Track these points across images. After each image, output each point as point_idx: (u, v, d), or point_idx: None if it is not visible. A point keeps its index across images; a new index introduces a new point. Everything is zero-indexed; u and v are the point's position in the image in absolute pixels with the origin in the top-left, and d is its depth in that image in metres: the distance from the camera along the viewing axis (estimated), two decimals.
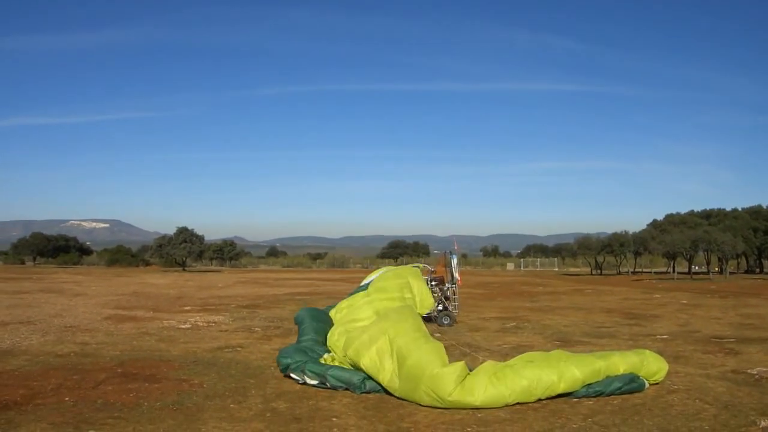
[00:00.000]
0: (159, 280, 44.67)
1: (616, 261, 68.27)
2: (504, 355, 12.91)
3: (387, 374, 9.22)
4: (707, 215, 65.10)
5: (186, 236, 67.60)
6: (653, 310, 23.41)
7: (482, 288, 38.92)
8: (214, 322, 18.49)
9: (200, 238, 69.66)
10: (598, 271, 66.14)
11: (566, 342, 14.94)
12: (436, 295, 19.13)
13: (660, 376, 9.88)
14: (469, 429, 7.66)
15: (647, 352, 10.28)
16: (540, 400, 8.87)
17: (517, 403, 8.70)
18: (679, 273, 55.94)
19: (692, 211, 68.12)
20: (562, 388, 8.96)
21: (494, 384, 8.78)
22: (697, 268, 60.71)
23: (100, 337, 15.06)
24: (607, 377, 9.28)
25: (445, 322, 17.99)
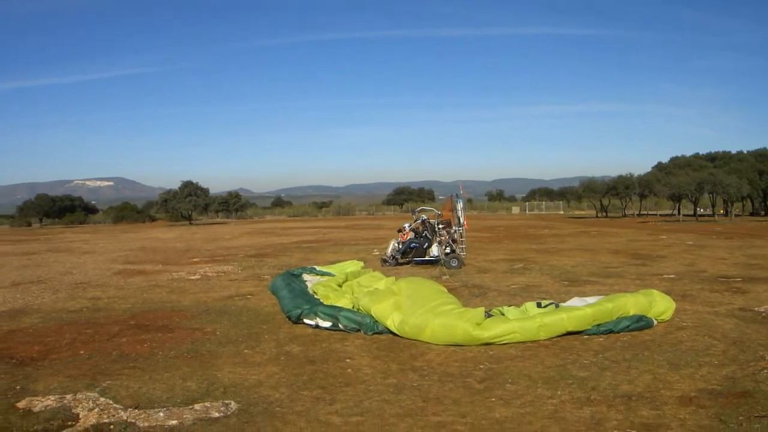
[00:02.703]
0: (166, 235, 44.94)
1: (622, 203, 68.32)
2: (512, 295, 13.08)
3: (397, 318, 9.32)
4: (712, 158, 64.76)
5: (191, 190, 67.55)
6: (659, 251, 23.46)
7: (488, 231, 39.04)
8: (224, 272, 18.64)
9: (205, 191, 69.58)
10: (604, 214, 66.22)
11: (573, 282, 15.07)
12: (443, 237, 19.23)
13: (668, 315, 10.00)
14: (481, 366, 7.76)
15: (655, 291, 10.37)
16: (551, 338, 8.96)
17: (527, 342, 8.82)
18: (684, 215, 55.94)
19: (697, 153, 67.90)
20: (571, 326, 9.04)
21: (506, 322, 8.94)
22: (701, 210, 60.69)
23: (111, 291, 15.20)
24: (617, 318, 9.37)
25: (453, 265, 18.10)
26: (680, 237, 31.14)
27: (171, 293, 14.58)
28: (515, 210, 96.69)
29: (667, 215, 62.73)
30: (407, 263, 19.49)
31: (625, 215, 66.03)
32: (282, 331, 10.05)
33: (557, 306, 9.90)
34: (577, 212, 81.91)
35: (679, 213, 57.19)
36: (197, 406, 6.36)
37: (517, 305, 10.51)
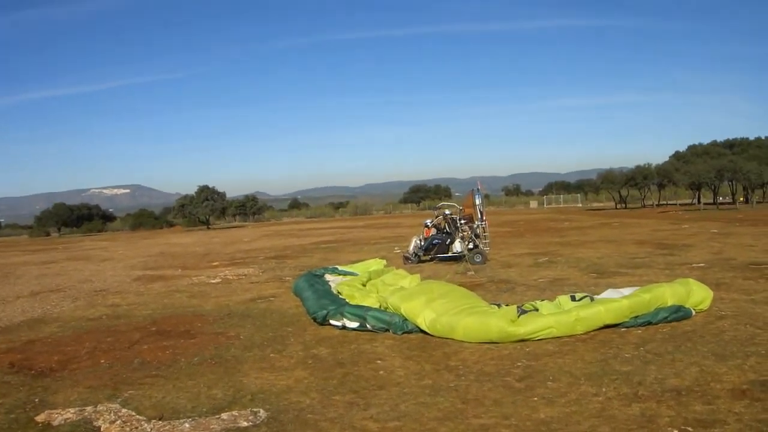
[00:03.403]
0: (184, 240, 44.88)
1: (641, 194, 67.53)
2: (542, 290, 12.74)
3: (429, 316, 9.00)
4: (730, 145, 63.85)
5: (207, 194, 67.54)
6: (684, 239, 22.99)
7: (508, 226, 38.62)
8: (244, 275, 18.40)
9: (222, 195, 69.50)
10: (623, 205, 65.50)
11: (602, 273, 14.70)
12: (466, 233, 18.88)
13: (706, 305, 9.66)
14: (519, 363, 7.42)
15: (691, 280, 10.02)
16: (588, 332, 8.62)
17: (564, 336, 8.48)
18: (704, 204, 55.14)
19: (715, 141, 66.89)
20: (609, 318, 8.70)
21: (541, 317, 8.62)
22: (721, 198, 59.76)
23: (130, 298, 14.98)
24: (656, 309, 9.02)
25: (477, 260, 17.76)
26: (703, 225, 30.59)
27: (192, 298, 14.34)
28: (533, 204, 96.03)
29: (686, 204, 61.89)
30: (430, 260, 19.15)
31: (644, 206, 65.26)
32: (308, 333, 9.74)
33: (592, 299, 9.56)
34: (595, 204, 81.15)
35: (699, 202, 56.40)
36: (224, 416, 6.07)
37: (550, 299, 10.17)
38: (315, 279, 13.42)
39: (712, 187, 56.79)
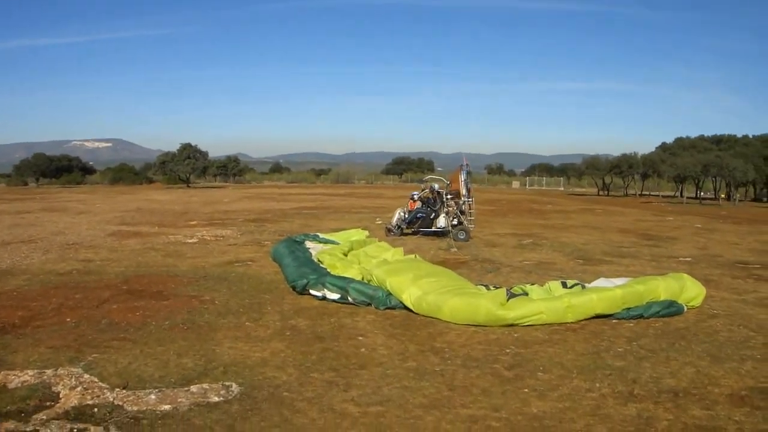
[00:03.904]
0: (163, 197, 44.02)
1: (624, 182, 67.38)
2: (527, 272, 12.44)
3: (415, 293, 8.60)
4: (717, 140, 63.58)
5: (189, 152, 66.33)
6: (669, 232, 22.80)
7: (490, 204, 38.26)
8: (222, 237, 17.88)
9: (204, 155, 68.36)
10: (605, 192, 65.42)
11: (588, 260, 14.43)
12: (451, 209, 18.52)
13: (698, 302, 9.39)
14: (508, 350, 7.08)
15: (685, 276, 9.73)
16: (579, 321, 8.29)
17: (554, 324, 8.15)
18: (687, 197, 55.20)
19: (702, 135, 66.56)
20: (600, 308, 8.37)
21: (531, 302, 8.27)
22: (703, 194, 59.83)
23: (103, 253, 14.38)
24: (648, 302, 8.71)
25: (461, 237, 17.42)
26: (687, 219, 30.44)
27: (167, 257, 13.80)
28: (515, 184, 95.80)
29: (669, 196, 61.78)
30: (412, 233, 18.75)
31: (627, 194, 65.13)
32: (286, 302, 9.30)
33: (584, 287, 9.24)
34: (577, 189, 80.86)
35: (681, 195, 56.44)
36: (194, 388, 5.65)
37: (538, 284, 9.83)
38: (295, 245, 13.02)
39: (696, 182, 56.81)
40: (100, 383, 5.74)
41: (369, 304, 8.93)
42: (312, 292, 9.41)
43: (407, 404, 5.38)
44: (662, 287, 8.96)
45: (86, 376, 5.91)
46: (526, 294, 8.88)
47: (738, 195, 54.51)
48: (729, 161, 46.25)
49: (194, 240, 16.95)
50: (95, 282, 10.76)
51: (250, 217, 25.10)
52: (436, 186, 19.44)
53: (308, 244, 13.82)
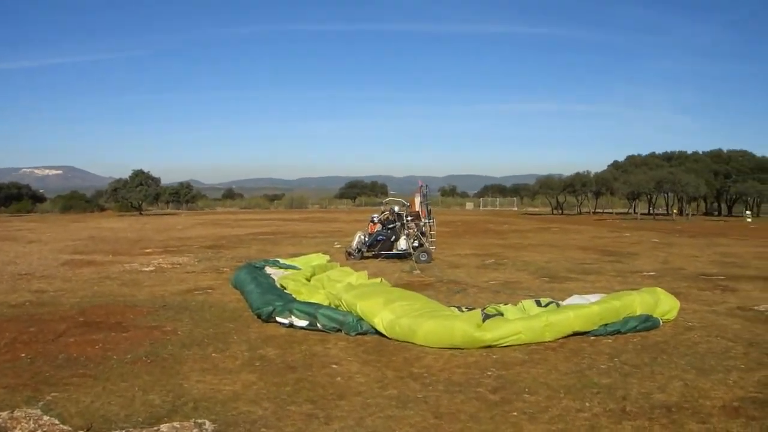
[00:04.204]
0: (116, 224, 42.83)
1: (577, 201, 68.36)
2: (495, 292, 12.28)
3: (387, 317, 8.28)
4: (668, 158, 65.09)
5: (142, 179, 64.98)
6: (628, 247, 23.03)
7: (446, 226, 38.10)
8: (179, 264, 17.30)
9: (156, 181, 67.03)
10: (560, 211, 66.19)
11: (554, 278, 14.36)
12: (412, 230, 18.32)
13: (672, 315, 9.39)
14: (489, 373, 6.80)
15: (658, 290, 9.74)
16: (557, 339, 8.09)
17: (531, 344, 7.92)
18: (641, 214, 56.18)
19: (653, 153, 68.13)
20: (578, 325, 8.19)
21: (508, 322, 8.03)
22: (655, 210, 60.92)
23: (57, 283, 13.67)
24: (624, 318, 8.58)
25: (423, 259, 17.21)
26: (644, 234, 30.89)
27: (123, 286, 13.21)
28: (469, 206, 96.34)
29: (623, 213, 62.83)
30: (372, 257, 18.45)
31: (580, 212, 66.06)
32: (252, 330, 8.88)
33: (558, 305, 9.07)
34: (531, 209, 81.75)
35: (635, 211, 57.44)
36: (164, 428, 5.18)
37: (511, 303, 9.63)
38: (257, 272, 12.62)
39: (648, 198, 57.89)
40: (61, 425, 5.24)
41: (339, 330, 8.58)
42: (278, 319, 9.01)
43: None
44: (638, 302, 8.88)
45: (46, 418, 5.40)
46: (501, 314, 8.65)
47: (690, 210, 55.73)
48: (681, 177, 47.30)
49: (151, 268, 16.34)
50: (50, 314, 10.12)
51: (206, 244, 24.49)
52: (396, 208, 19.23)
53: (268, 269, 13.43)
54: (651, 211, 58.89)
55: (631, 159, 67.07)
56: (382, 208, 20.31)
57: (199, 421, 5.34)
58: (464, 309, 9.24)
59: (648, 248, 22.80)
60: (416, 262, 16.92)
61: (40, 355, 7.52)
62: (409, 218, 18.68)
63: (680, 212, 54.43)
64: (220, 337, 8.43)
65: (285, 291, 10.53)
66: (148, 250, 21.65)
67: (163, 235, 30.78)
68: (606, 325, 8.41)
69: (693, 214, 54.73)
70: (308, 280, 12.09)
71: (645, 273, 15.31)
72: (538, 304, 9.10)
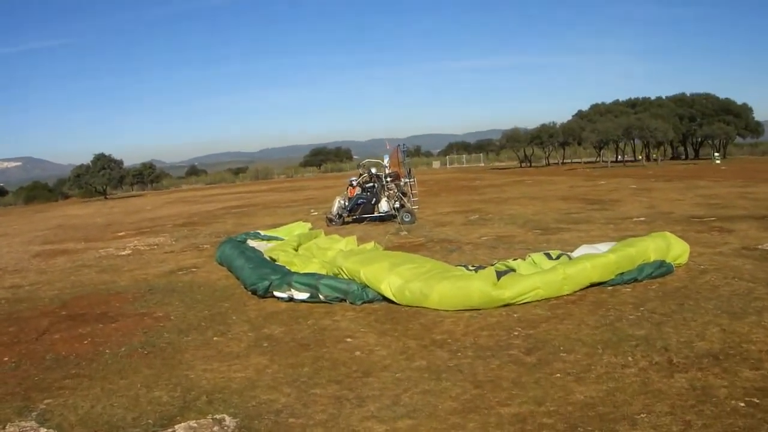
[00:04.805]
0: (82, 211, 41.44)
1: (545, 153, 68.16)
2: (492, 248, 11.90)
3: (395, 282, 7.76)
4: (632, 104, 64.83)
5: (104, 163, 63.15)
6: (608, 195, 22.77)
7: (420, 186, 37.48)
8: (156, 245, 16.53)
9: (119, 164, 65.25)
10: (528, 164, 65.97)
11: (545, 230, 13.96)
12: (392, 191, 17.79)
13: (684, 259, 9.02)
14: (516, 333, 6.37)
15: (668, 234, 9.37)
16: (575, 292, 7.67)
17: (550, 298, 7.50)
18: (612, 162, 56.27)
19: (617, 100, 67.92)
20: (596, 275, 7.77)
21: (525, 278, 7.57)
22: (620, 157, 61.04)
23: (32, 276, 12.82)
24: (640, 265, 8.19)
25: (407, 219, 16.69)
26: (619, 182, 30.65)
27: (102, 273, 12.45)
28: (436, 164, 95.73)
29: (591, 162, 62.78)
30: (356, 221, 17.88)
31: (548, 164, 65.93)
32: (250, 308, 8.29)
33: (569, 256, 8.65)
34: (498, 164, 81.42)
35: (603, 160, 57.46)
36: (179, 429, 4.57)
37: (520, 258, 9.17)
38: (242, 246, 11.99)
39: (615, 145, 57.93)
40: None
41: (343, 300, 8.07)
42: (276, 294, 8.44)
43: (438, 411, 4.57)
44: (651, 248, 8.50)
45: (43, 430, 4.75)
46: (513, 270, 8.17)
47: (658, 154, 55.95)
48: (649, 122, 47.34)
49: (128, 252, 15.54)
50: (29, 310, 9.34)
51: (180, 222, 23.64)
52: (374, 169, 18.64)
53: (250, 242, 12.80)
54: (618, 159, 59.05)
55: (595, 107, 66.83)
56: (360, 170, 19.68)
57: (217, 416, 4.75)
58: (470, 267, 8.76)
59: (628, 194, 22.55)
60: (400, 223, 16.42)
61: (25, 357, 6.83)
62: (388, 179, 18.12)
63: (647, 158, 54.57)
64: (217, 319, 7.85)
65: (276, 263, 9.95)
66: (120, 234, 20.78)
67: (134, 217, 29.80)
68: (622, 273, 8.02)
69: (661, 159, 54.92)
70: (295, 250, 11.51)
71: (635, 219, 14.99)
72: (549, 257, 8.67)
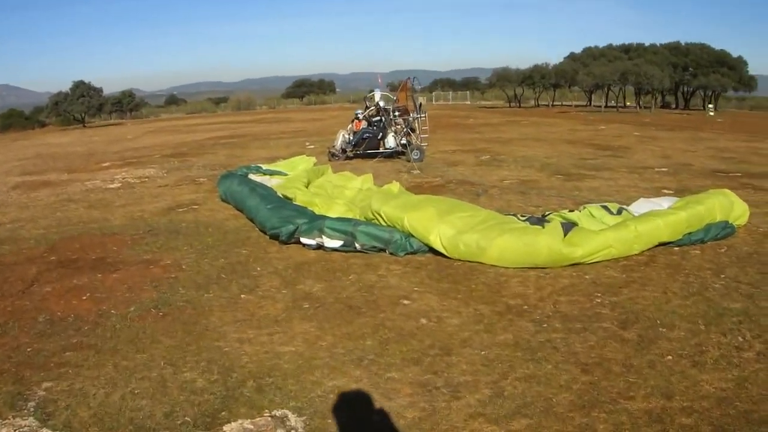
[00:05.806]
0: (61, 139, 39.52)
1: (535, 94, 66.92)
2: (521, 193, 11.19)
3: (447, 232, 6.82)
4: (626, 50, 63.42)
5: (83, 90, 60.85)
6: (614, 141, 21.79)
7: None
8: (147, 177, 15.29)
9: (98, 91, 63.06)
10: (517, 104, 64.80)
11: (568, 175, 13.08)
12: (400, 126, 16.74)
13: (743, 220, 8.16)
14: (597, 300, 5.54)
15: (728, 191, 8.43)
16: (642, 252, 6.83)
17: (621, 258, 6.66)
18: (605, 107, 55.28)
19: (611, 45, 66.48)
20: (666, 234, 6.93)
21: (596, 234, 6.69)
22: (610, 103, 60.06)
23: (12, 212, 11.43)
24: (706, 225, 7.35)
25: (416, 157, 15.71)
26: (620, 128, 29.56)
27: (92, 209, 11.27)
28: (421, 100, 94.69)
29: (582, 106, 61.83)
30: (362, 157, 16.83)
31: (538, 105, 64.81)
32: (273, 256, 7.29)
33: (626, 210, 7.82)
34: (484, 102, 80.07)
35: (591, 104, 56.51)
36: (228, 430, 3.53)
37: (575, 209, 8.30)
38: (251, 182, 10.89)
39: (607, 90, 56.79)
40: None
41: (381, 250, 7.15)
42: (303, 240, 7.48)
43: (554, 407, 3.70)
44: (718, 207, 7.64)
45: (45, 431, 3.64)
46: (575, 224, 7.25)
47: (645, 102, 55.11)
48: (647, 69, 46.18)
49: (117, 185, 14.32)
50: (12, 254, 8.02)
51: (167, 153, 22.29)
52: (382, 103, 17.52)
53: (252, 177, 11.72)
54: (607, 104, 58.05)
55: (588, 51, 65.37)
56: (366, 102, 18.53)
57: (277, 413, 3.71)
58: (521, 217, 7.84)
59: (635, 142, 21.57)
60: (408, 160, 15.45)
61: (12, 317, 5.62)
62: (396, 113, 17.04)
63: (638, 105, 53.69)
64: (238, 270, 6.81)
65: (296, 204, 8.95)
66: (105, 164, 19.47)
67: (116, 146, 28.32)
68: (690, 234, 7.18)
69: (649, 107, 54.05)
70: (306, 187, 10.49)
71: (656, 169, 14.06)
72: (608, 210, 7.78)
